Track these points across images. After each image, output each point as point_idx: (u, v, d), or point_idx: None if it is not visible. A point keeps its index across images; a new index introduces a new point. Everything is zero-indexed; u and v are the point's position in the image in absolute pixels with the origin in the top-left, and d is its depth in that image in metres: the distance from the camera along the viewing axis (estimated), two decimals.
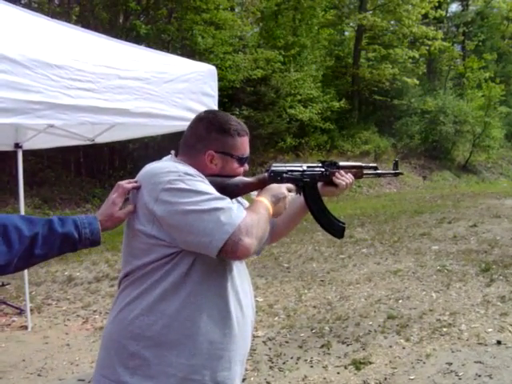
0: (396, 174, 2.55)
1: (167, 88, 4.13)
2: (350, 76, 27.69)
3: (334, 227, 2.35)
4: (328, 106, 22.05)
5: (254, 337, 5.53)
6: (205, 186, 1.92)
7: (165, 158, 2.13)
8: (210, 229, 1.82)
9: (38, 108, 3.19)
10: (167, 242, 1.90)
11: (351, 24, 28.78)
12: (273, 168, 2.23)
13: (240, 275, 2.12)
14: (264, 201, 2.05)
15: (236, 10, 22.14)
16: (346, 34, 31.85)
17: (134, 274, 1.98)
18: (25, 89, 3.11)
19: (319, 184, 2.36)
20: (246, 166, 2.19)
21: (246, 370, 4.82)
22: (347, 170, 2.38)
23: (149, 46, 15.57)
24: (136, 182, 2.00)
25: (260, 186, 2.18)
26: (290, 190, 2.19)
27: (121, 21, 18.30)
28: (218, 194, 1.91)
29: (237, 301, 2.06)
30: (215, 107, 4.64)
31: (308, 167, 2.32)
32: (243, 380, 4.61)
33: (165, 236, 1.90)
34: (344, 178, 2.34)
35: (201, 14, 18.07)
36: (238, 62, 18.06)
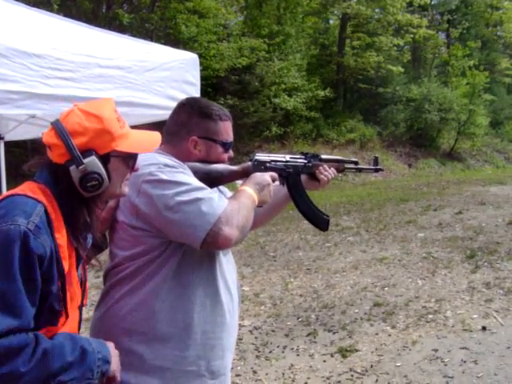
0: (376, 170, 2.62)
1: (148, 76, 4.09)
2: (334, 64, 27.63)
3: (319, 219, 2.36)
4: (313, 95, 21.99)
5: (241, 326, 5.52)
6: (185, 176, 1.90)
7: None
8: (192, 219, 1.81)
9: (17, 98, 3.14)
10: (154, 232, 1.88)
11: (336, 12, 28.67)
12: (256, 157, 2.23)
13: (228, 264, 2.12)
14: (247, 189, 2.04)
15: None
16: (331, 22, 31.77)
17: (122, 267, 1.96)
18: (3, 78, 3.05)
19: (302, 178, 2.36)
20: (231, 153, 2.17)
21: (233, 359, 4.82)
22: (329, 163, 2.39)
23: (132, 35, 15.45)
24: None
25: (244, 174, 2.17)
26: (273, 179, 2.18)
27: (103, 10, 18.13)
28: (198, 184, 1.89)
29: (227, 289, 2.06)
30: (197, 96, 4.60)
31: (291, 158, 2.32)
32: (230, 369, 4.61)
33: (150, 227, 1.88)
34: (327, 174, 2.36)
35: (184, 3, 17.96)
36: (222, 50, 17.98)
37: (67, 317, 1.59)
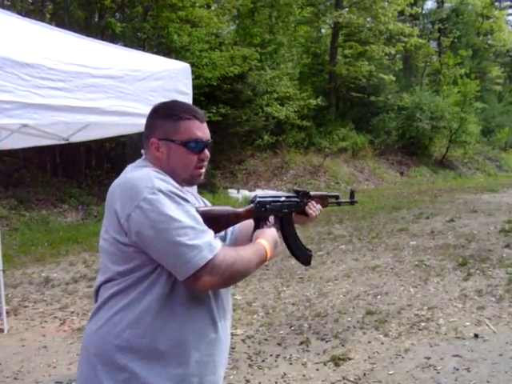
0: (352, 203, 2.78)
1: (140, 86, 4.10)
2: (326, 73, 27.76)
3: (303, 254, 2.48)
4: (305, 104, 22.03)
5: (233, 335, 5.51)
6: (178, 210, 1.86)
7: (138, 161, 2.09)
8: (177, 259, 1.82)
9: (9, 107, 3.15)
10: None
11: (327, 21, 28.79)
12: (258, 199, 2.27)
13: None
14: (265, 246, 2.09)
15: (212, 8, 22.04)
16: (323, 31, 31.94)
17: (115, 281, 1.94)
18: None
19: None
20: (207, 153, 2.10)
21: (226, 368, 4.80)
22: (316, 200, 2.53)
23: (124, 44, 15.45)
24: None
25: (248, 216, 2.21)
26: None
27: (96, 19, 18.13)
28: (188, 223, 1.86)
29: (219, 306, 2.07)
30: None
31: (286, 197, 2.41)
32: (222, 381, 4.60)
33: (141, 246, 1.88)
34: (315, 209, 2.48)
35: (176, 12, 17.95)
36: (214, 59, 17.97)
37: None
